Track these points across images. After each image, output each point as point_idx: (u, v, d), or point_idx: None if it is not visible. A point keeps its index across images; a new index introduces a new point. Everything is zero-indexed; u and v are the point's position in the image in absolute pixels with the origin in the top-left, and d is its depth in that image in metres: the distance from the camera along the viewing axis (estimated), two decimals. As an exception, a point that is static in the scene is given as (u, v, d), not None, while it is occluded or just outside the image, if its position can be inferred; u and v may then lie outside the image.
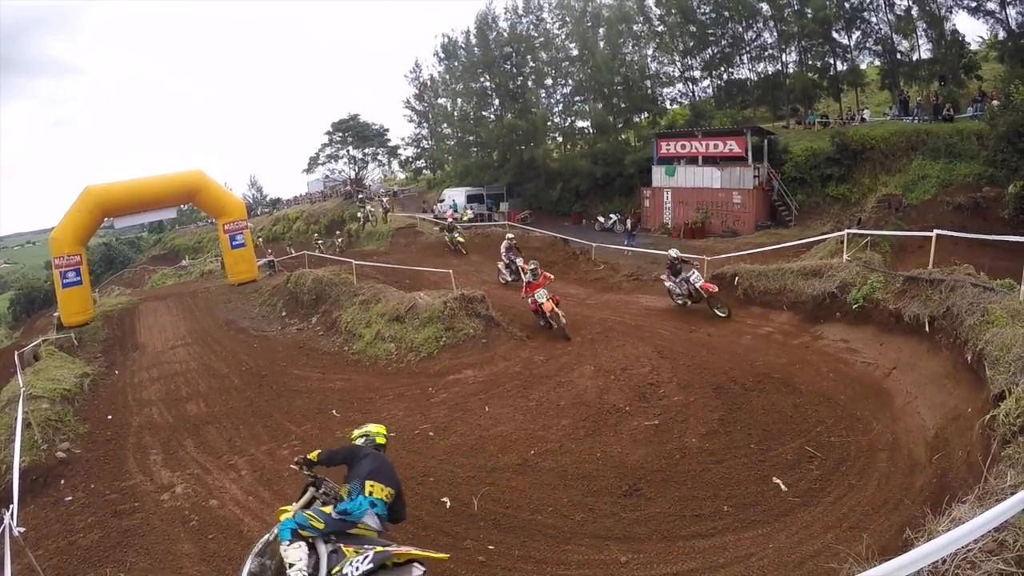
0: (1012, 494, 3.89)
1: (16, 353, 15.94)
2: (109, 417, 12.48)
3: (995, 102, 24.55)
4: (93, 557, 7.42)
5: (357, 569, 4.88)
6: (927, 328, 9.27)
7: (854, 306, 11.53)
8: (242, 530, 7.62)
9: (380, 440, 6.27)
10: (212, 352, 16.56)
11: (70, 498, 9.15)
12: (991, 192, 21.21)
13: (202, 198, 23.37)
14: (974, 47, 31.56)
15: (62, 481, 9.67)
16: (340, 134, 53.96)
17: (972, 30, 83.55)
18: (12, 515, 5.90)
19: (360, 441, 6.17)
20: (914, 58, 32.19)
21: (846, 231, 14.28)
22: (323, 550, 5.21)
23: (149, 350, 17.42)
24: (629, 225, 29.15)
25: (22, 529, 5.99)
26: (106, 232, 23.47)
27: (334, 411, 11.55)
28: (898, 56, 32.43)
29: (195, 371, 14.19)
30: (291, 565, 5.04)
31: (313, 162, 55.87)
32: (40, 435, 10.35)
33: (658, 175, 32.75)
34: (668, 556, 6.41)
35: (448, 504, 7.87)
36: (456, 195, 39.38)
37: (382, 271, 22.43)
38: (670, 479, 7.92)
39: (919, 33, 31.50)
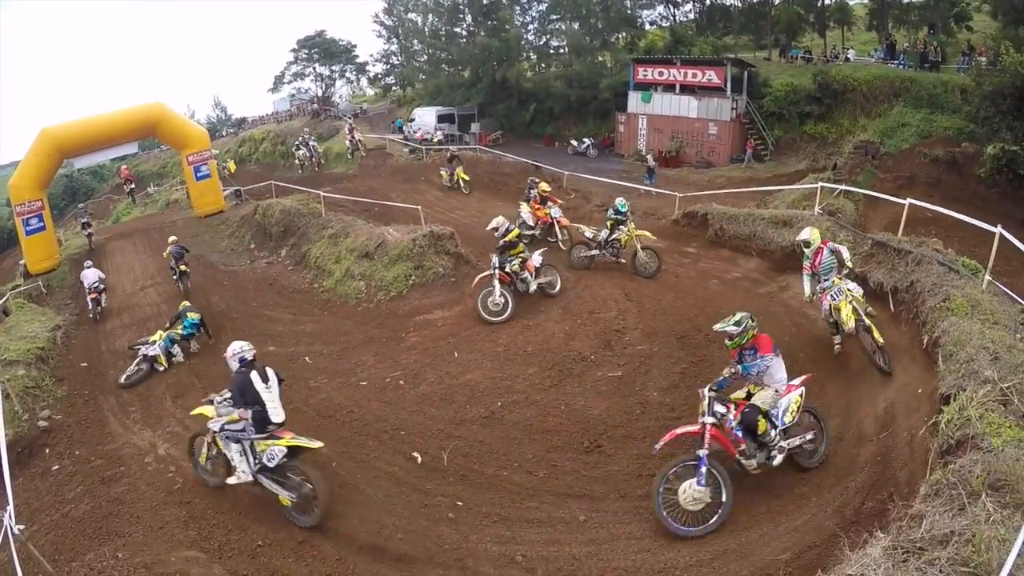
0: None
1: None
2: (83, 364, 12.54)
3: (983, 58, 24.27)
4: (88, 529, 7.56)
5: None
6: (890, 298, 9.43)
7: (821, 263, 11.69)
8: (225, 491, 7.78)
9: None
10: (182, 292, 16.39)
11: (57, 467, 9.24)
12: (969, 148, 21.08)
13: (163, 130, 22.55)
14: (968, -4, 30.72)
15: (47, 450, 9.73)
16: (306, 51, 51.62)
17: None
18: (10, 515, 5.97)
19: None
20: (905, 0, 31.23)
21: (819, 184, 14.26)
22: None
23: (119, 292, 17.12)
24: (651, 160, 26.19)
25: (21, 527, 6.11)
26: (67, 164, 22.69)
27: (307, 358, 11.66)
28: (889, -4, 31.49)
29: (166, 315, 13.84)
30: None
31: (279, 81, 53.70)
32: (20, 405, 10.33)
33: (634, 101, 32.11)
34: (624, 516, 6.81)
35: (419, 460, 8.16)
36: (426, 115, 38.11)
37: (350, 200, 22.05)
38: (630, 435, 8.27)
39: (914, -25, 30.50)
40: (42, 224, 20.01)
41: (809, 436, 6.91)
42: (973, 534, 4.11)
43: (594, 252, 14.56)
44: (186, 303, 13.19)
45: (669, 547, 6.26)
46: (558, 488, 7.40)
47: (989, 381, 5.67)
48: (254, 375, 7.08)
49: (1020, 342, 6.36)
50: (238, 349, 7.34)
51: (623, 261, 14.46)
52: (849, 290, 8.63)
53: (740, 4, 36.51)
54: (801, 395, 6.83)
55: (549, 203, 16.91)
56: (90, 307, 15.39)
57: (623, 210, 14.33)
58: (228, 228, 21.46)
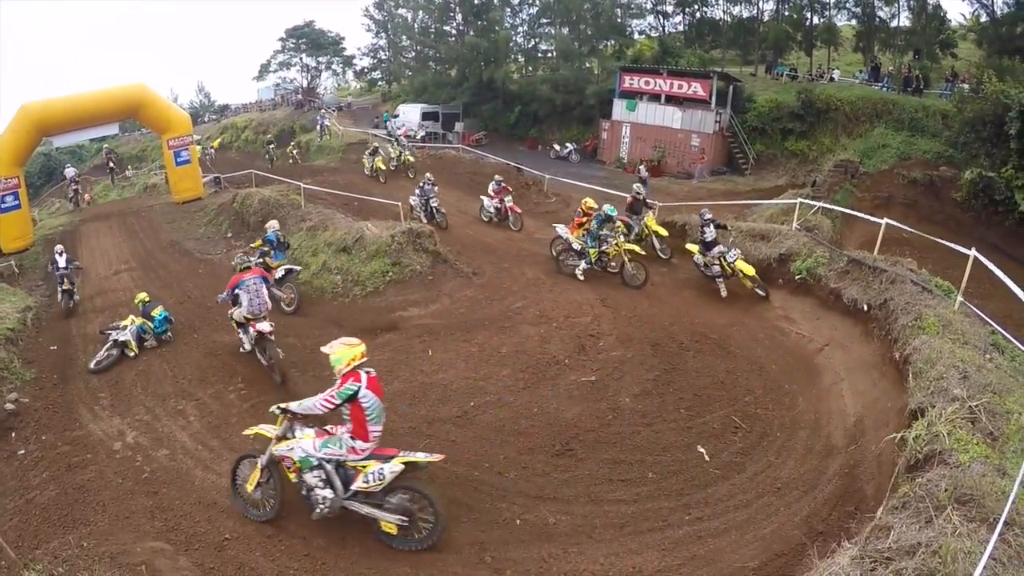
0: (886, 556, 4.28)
1: None
2: (53, 348, 12.29)
3: (965, 85, 24.82)
4: (53, 516, 7.38)
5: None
6: (864, 313, 9.57)
7: (797, 277, 11.82)
8: (193, 481, 7.70)
9: None
10: (157, 278, 16.12)
11: (23, 452, 9.00)
12: (947, 172, 21.59)
13: (145, 113, 22.17)
14: (954, 23, 31.56)
15: (13, 434, 9.45)
16: (294, 41, 51.15)
17: (955, 7, 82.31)
18: None
19: None
20: (892, 25, 32.01)
21: (798, 200, 14.45)
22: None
23: (92, 276, 16.77)
24: (643, 171, 23.56)
25: None
26: (45, 142, 22.66)
27: (279, 350, 11.48)
28: (876, 20, 32.19)
29: (139, 300, 13.70)
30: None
31: (264, 69, 53.07)
32: (-13, 387, 10.03)
33: (619, 108, 32.32)
34: (594, 519, 6.81)
35: (391, 457, 8.07)
36: (411, 111, 37.96)
37: (330, 193, 21.84)
38: (601, 440, 8.25)
39: (901, 1, 31.31)
40: (17, 202, 19.62)
41: None
42: (940, 546, 4.19)
43: (582, 262, 14.55)
44: (143, 295, 12.81)
45: (637, 552, 6.28)
46: (529, 490, 7.36)
47: (958, 399, 5.78)
48: (56, 255, 14.03)
49: (989, 362, 6.50)
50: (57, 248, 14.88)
51: (611, 270, 14.38)
52: None
53: (729, 19, 37.13)
54: None
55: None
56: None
57: (613, 215, 14.26)
58: (206, 215, 21.18)
